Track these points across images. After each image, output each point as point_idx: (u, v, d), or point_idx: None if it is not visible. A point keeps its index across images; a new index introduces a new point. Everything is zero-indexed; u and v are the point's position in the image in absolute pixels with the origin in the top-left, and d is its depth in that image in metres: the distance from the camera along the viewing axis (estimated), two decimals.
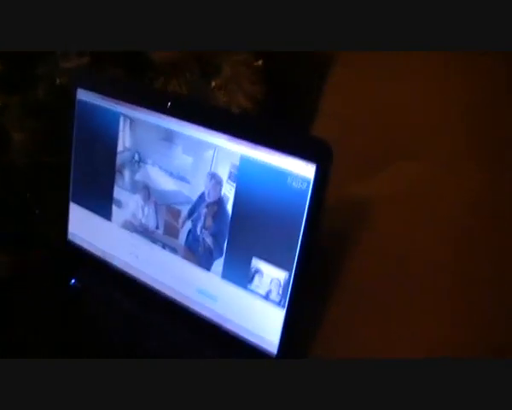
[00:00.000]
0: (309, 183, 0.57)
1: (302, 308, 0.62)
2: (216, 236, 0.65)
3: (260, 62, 0.87)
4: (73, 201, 0.78)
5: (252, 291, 0.63)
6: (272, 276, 0.61)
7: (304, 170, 0.57)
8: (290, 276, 0.60)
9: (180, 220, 0.67)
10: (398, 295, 0.64)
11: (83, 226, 0.77)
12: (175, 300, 0.70)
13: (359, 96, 0.76)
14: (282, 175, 0.58)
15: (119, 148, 0.71)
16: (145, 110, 0.68)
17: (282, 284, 0.61)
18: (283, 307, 0.61)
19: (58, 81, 0.75)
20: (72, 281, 0.75)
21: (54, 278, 0.74)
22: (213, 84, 0.87)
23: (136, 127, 0.69)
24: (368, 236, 0.69)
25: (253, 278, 0.63)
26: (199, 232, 0.66)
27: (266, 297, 0.62)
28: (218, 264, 0.65)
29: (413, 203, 0.69)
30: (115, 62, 0.80)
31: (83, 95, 0.73)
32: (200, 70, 0.86)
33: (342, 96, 0.80)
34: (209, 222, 0.65)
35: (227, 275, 0.65)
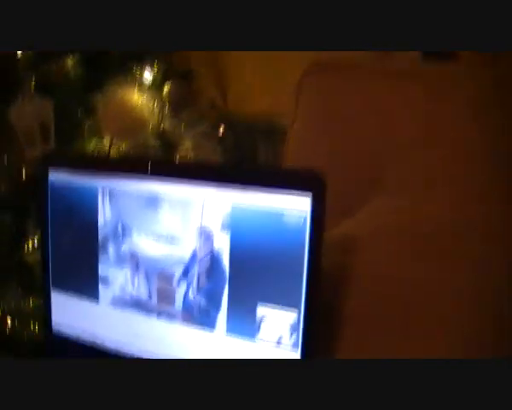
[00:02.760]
0: (306, 216, 0.57)
1: (317, 346, 0.60)
2: (214, 291, 0.62)
3: (221, 130, 0.89)
4: (55, 287, 0.73)
5: (262, 341, 0.60)
6: (281, 319, 0.59)
7: (299, 203, 0.57)
8: (299, 314, 0.58)
9: (174, 284, 0.65)
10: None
11: (68, 313, 0.73)
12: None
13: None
14: (277, 215, 0.58)
15: (100, 222, 0.69)
16: (124, 177, 0.67)
17: (292, 324, 0.59)
18: (297, 349, 0.59)
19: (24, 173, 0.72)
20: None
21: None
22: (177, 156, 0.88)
23: (117, 197, 0.67)
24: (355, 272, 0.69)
25: (260, 326, 0.60)
26: (195, 292, 0.64)
27: (278, 343, 0.59)
28: (221, 320, 0.62)
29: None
30: None
31: (55, 175, 0.71)
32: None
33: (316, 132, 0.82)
34: (204, 278, 0.63)
35: (232, 330, 0.62)
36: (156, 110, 0.84)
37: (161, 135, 0.84)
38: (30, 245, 0.81)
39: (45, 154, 0.74)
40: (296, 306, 0.58)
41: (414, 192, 0.70)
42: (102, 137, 0.82)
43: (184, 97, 0.85)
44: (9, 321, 0.80)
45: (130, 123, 0.83)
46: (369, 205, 0.73)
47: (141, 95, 0.84)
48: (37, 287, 0.76)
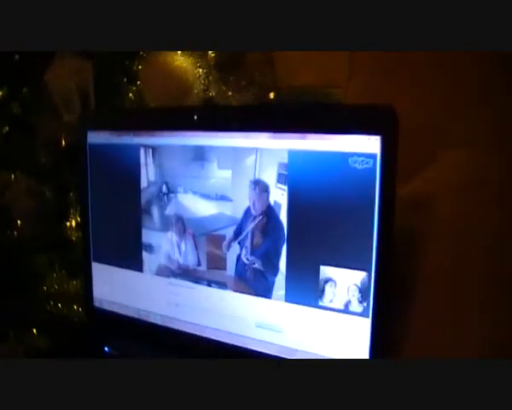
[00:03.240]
0: (375, 159, 0.49)
1: (390, 312, 0.52)
2: (271, 253, 0.55)
3: (271, 96, 0.82)
4: (96, 260, 0.68)
5: (326, 308, 0.53)
6: (348, 282, 0.52)
7: (367, 146, 0.49)
8: (370, 276, 0.50)
9: (225, 247, 0.58)
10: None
11: (109, 287, 0.67)
12: (230, 344, 0.59)
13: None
14: (341, 159, 0.50)
15: (143, 184, 0.63)
16: (168, 133, 0.61)
17: (361, 288, 0.51)
18: (367, 315, 0.51)
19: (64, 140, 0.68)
20: (106, 349, 0.63)
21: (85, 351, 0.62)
22: None
23: (161, 155, 0.61)
24: (431, 230, 0.61)
25: (323, 291, 0.53)
26: (249, 254, 0.57)
27: (345, 310, 0.52)
28: (279, 286, 0.55)
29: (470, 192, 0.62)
30: None
31: (94, 137, 0.66)
32: None
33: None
34: (259, 239, 0.56)
35: (292, 297, 0.55)
36: (202, 75, 0.78)
37: (207, 101, 0.78)
38: (73, 223, 0.76)
39: (83, 116, 0.69)
40: (366, 266, 0.50)
41: (482, 147, 0.63)
42: (145, 105, 0.77)
43: (231, 61, 0.80)
44: (52, 303, 0.76)
45: (175, 89, 0.77)
46: (436, 161, 0.66)
47: (185, 59, 0.78)
48: (80, 267, 0.71)
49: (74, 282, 0.77)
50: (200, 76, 0.76)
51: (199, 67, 0.76)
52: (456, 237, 0.61)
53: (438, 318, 0.57)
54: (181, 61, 0.76)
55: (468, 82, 0.68)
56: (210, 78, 0.77)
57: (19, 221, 0.72)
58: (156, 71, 0.76)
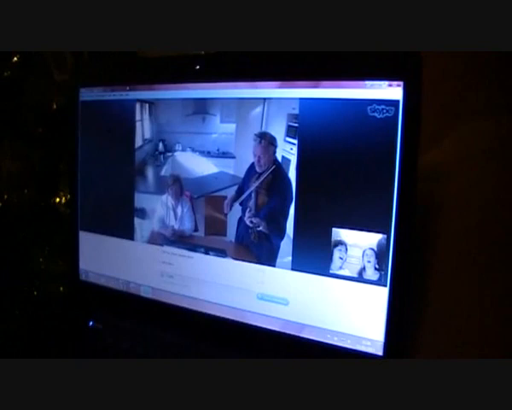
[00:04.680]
0: (397, 107, 0.44)
1: (410, 283, 0.46)
2: (277, 214, 0.50)
3: None
4: (83, 228, 0.62)
5: (337, 276, 0.47)
6: (363, 246, 0.46)
7: (387, 92, 0.44)
8: (389, 239, 0.45)
9: (226, 209, 0.52)
10: None
11: (97, 257, 0.61)
12: (229, 320, 0.53)
13: None
14: (358, 108, 0.45)
15: (137, 143, 0.57)
16: (166, 85, 0.55)
17: (378, 253, 0.45)
18: (385, 284, 0.45)
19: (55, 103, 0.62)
20: (90, 323, 0.57)
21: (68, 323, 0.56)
22: None
23: (158, 110, 0.56)
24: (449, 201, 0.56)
25: (335, 257, 0.47)
26: (252, 218, 0.51)
27: (359, 278, 0.46)
28: (285, 252, 0.49)
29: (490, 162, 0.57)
30: None
31: (86, 94, 0.60)
32: None
33: None
34: (264, 198, 0.50)
35: (299, 264, 0.49)
36: None
37: None
38: (63, 198, 0.70)
39: (75, 73, 0.63)
40: (384, 228, 0.45)
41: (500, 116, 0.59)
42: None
43: None
44: (37, 283, 0.70)
45: None
46: (455, 131, 0.62)
47: None
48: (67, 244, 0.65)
49: (60, 262, 0.71)
50: None
51: None
52: (475, 209, 0.56)
53: (454, 293, 0.52)
54: None
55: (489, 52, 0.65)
56: None
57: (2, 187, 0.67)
58: None
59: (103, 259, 0.61)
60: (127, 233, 0.58)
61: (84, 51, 0.63)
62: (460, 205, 0.57)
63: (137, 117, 0.57)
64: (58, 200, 0.69)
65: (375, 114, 0.45)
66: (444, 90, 0.65)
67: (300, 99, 0.48)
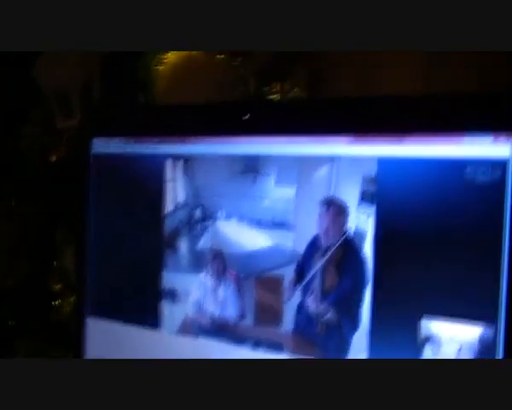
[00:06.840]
0: (504, 168, 0.39)
1: None
2: (348, 299, 0.44)
3: None
4: (93, 314, 0.55)
5: None
6: (462, 340, 0.40)
7: (491, 150, 0.39)
8: (496, 332, 0.38)
9: (282, 294, 0.47)
10: None
11: (108, 350, 0.53)
12: None
13: None
14: (453, 169, 0.40)
15: (168, 208, 0.52)
16: (206, 138, 0.50)
17: (481, 349, 0.39)
18: None
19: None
20: None
21: None
22: None
23: (195, 168, 0.51)
24: None
25: (423, 354, 0.41)
26: (317, 304, 0.45)
27: None
28: (359, 347, 0.43)
29: None
30: None
31: (101, 145, 0.55)
32: None
33: None
34: (332, 280, 0.45)
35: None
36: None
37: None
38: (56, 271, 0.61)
39: (87, 118, 0.56)
40: (491, 318, 0.39)
41: None
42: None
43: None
44: None
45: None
46: None
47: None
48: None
49: None
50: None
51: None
52: None
53: None
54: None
55: None
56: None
57: None
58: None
59: (117, 352, 0.53)
60: (151, 321, 0.52)
61: (95, 92, 0.56)
62: None
63: (168, 176, 0.53)
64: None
65: (476, 178, 0.40)
66: None
67: (379, 158, 0.43)
